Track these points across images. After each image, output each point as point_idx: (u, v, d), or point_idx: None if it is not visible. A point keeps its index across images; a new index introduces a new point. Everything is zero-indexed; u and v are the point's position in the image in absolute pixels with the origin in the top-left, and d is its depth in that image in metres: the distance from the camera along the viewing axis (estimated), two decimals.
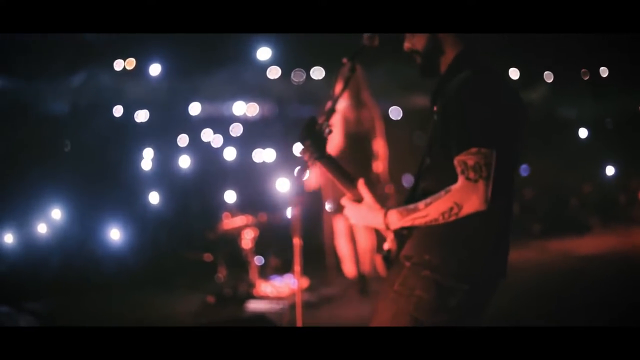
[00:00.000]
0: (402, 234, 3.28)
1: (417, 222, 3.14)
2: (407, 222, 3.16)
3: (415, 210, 3.13)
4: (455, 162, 3.05)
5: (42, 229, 9.04)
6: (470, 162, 3.01)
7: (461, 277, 3.18)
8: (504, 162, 3.11)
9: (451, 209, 3.05)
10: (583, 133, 12.60)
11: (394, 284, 3.27)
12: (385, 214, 3.22)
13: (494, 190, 3.07)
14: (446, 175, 3.09)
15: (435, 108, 3.28)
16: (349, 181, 3.35)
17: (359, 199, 3.32)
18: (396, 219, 3.19)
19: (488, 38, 3.43)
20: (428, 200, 3.10)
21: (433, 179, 3.20)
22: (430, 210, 3.09)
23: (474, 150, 3.01)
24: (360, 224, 3.40)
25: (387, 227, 3.24)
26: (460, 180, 3.04)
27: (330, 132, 3.33)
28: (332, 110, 3.45)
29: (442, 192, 3.07)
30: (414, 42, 3.34)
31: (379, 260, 3.42)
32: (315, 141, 3.28)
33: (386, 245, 3.36)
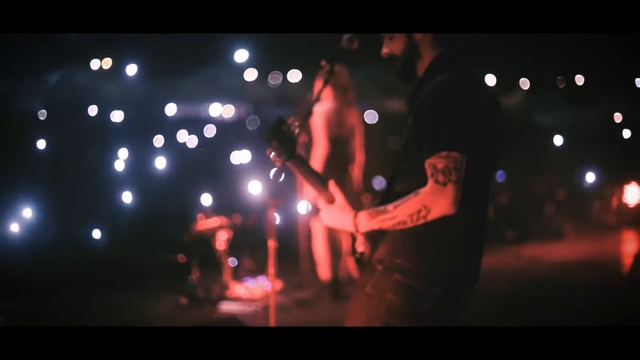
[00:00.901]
0: (374, 237, 3.28)
1: (386, 223, 3.12)
2: (375, 223, 3.15)
3: (384, 212, 3.12)
4: (426, 164, 3.04)
5: (14, 228, 8.98)
6: (440, 166, 3.00)
7: (433, 281, 3.17)
8: (478, 168, 3.11)
9: (419, 211, 3.03)
10: (558, 140, 12.66)
11: (366, 287, 3.26)
12: (355, 216, 3.21)
13: (468, 194, 3.07)
14: (420, 179, 3.07)
15: (410, 111, 3.28)
16: (320, 182, 3.34)
17: (331, 200, 3.32)
18: (365, 221, 3.18)
19: (465, 43, 3.44)
20: (397, 202, 3.10)
21: (407, 182, 3.18)
22: (399, 212, 3.07)
23: (444, 154, 3.00)
24: (331, 225, 3.37)
25: (357, 229, 3.23)
26: (430, 183, 3.02)
27: (300, 132, 3.30)
28: (309, 112, 3.44)
29: (411, 195, 3.06)
30: (392, 47, 3.34)
31: (351, 262, 3.43)
32: (283, 142, 3.25)
33: (360, 248, 3.34)
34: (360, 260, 3.34)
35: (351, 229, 3.24)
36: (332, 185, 3.29)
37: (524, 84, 12.54)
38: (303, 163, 3.32)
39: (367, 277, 3.28)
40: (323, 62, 3.48)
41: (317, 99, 3.49)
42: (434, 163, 3.01)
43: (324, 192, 3.33)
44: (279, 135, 3.25)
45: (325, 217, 3.35)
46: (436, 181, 3.00)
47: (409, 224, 3.08)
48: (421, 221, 3.05)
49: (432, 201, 3.01)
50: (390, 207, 3.11)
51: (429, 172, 3.03)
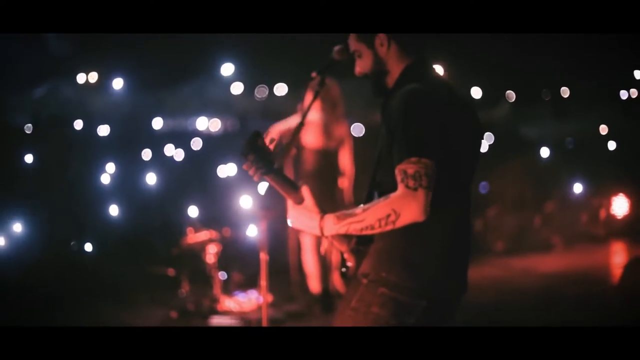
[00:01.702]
0: (359, 251, 3.27)
1: (353, 227, 3.10)
2: (342, 227, 3.13)
3: (352, 215, 3.11)
4: (396, 171, 3.03)
5: (0, 242, 8.95)
6: (410, 171, 2.99)
7: (418, 293, 3.16)
8: (453, 175, 3.13)
9: (388, 215, 3.01)
10: (545, 152, 12.70)
11: (352, 301, 3.24)
12: (322, 218, 3.19)
13: (448, 203, 3.09)
14: (396, 188, 3.05)
15: (382, 122, 3.27)
16: (296, 194, 3.30)
17: (299, 202, 3.28)
18: (331, 224, 3.16)
19: (453, 56, 3.46)
20: (366, 206, 3.09)
21: (384, 192, 3.14)
22: (367, 216, 3.06)
23: (414, 159, 2.99)
24: (297, 227, 3.33)
25: (322, 232, 3.20)
26: (400, 188, 3.00)
27: (278, 146, 3.29)
28: (301, 124, 3.43)
29: (382, 199, 3.05)
30: (362, 66, 3.36)
31: (337, 277, 3.41)
32: (260, 156, 3.22)
33: (347, 262, 3.33)
34: (345, 275, 3.33)
35: (317, 231, 3.22)
36: (304, 189, 3.27)
37: (510, 96, 12.59)
38: (281, 176, 3.29)
39: (353, 291, 3.26)
40: (313, 74, 3.48)
41: (308, 111, 3.48)
42: (404, 169, 3.00)
43: (295, 197, 3.30)
44: (255, 149, 3.22)
45: (292, 218, 3.32)
46: (407, 186, 2.98)
47: (377, 229, 3.06)
48: (389, 227, 3.03)
49: (402, 206, 2.99)
50: (358, 210, 3.10)
51: (399, 178, 3.01)
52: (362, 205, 3.16)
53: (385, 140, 3.18)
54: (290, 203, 3.31)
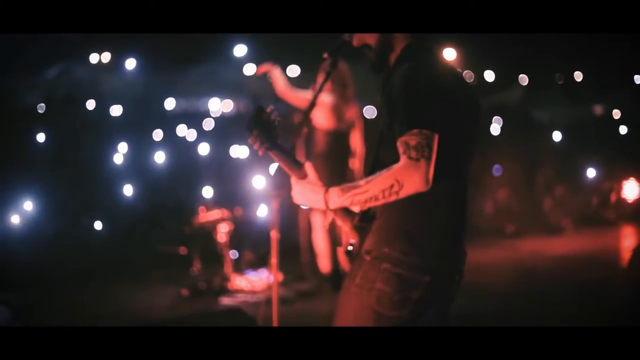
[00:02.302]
0: (362, 228, 3.28)
1: (357, 199, 3.10)
2: (346, 199, 3.13)
3: (356, 187, 3.10)
4: (398, 143, 3.03)
5: (15, 220, 9.01)
6: (412, 142, 2.99)
7: (421, 268, 3.16)
8: (453, 150, 3.13)
9: (392, 186, 3.01)
10: (557, 136, 12.71)
11: (356, 278, 3.24)
12: (326, 191, 3.19)
13: (447, 177, 3.10)
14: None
15: (382, 100, 3.26)
16: (300, 170, 3.32)
17: (303, 178, 3.30)
18: (336, 196, 3.16)
19: (466, 40, 3.47)
20: (369, 177, 3.08)
21: (386, 167, 3.11)
22: (371, 187, 3.05)
23: (415, 131, 2.99)
24: (302, 203, 3.34)
25: (327, 205, 3.21)
26: (403, 159, 3.01)
27: (280, 121, 3.32)
28: (313, 104, 3.46)
29: (384, 170, 3.05)
30: (364, 37, 3.36)
31: (341, 254, 3.42)
32: (264, 131, 3.28)
33: (351, 240, 3.35)
34: (350, 252, 3.35)
35: (321, 205, 3.22)
36: (307, 165, 3.30)
37: (523, 80, 12.59)
38: (285, 152, 3.32)
39: (357, 268, 3.26)
40: (325, 55, 3.49)
41: (320, 91, 3.50)
42: (406, 140, 3.00)
43: (299, 172, 3.32)
44: (259, 123, 3.28)
45: (296, 194, 3.32)
46: (409, 157, 2.99)
47: (381, 200, 3.06)
48: (393, 197, 3.03)
49: (405, 176, 2.99)
50: (362, 182, 3.10)
51: (401, 150, 3.01)
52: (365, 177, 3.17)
53: (386, 116, 3.17)
54: (294, 179, 3.32)
